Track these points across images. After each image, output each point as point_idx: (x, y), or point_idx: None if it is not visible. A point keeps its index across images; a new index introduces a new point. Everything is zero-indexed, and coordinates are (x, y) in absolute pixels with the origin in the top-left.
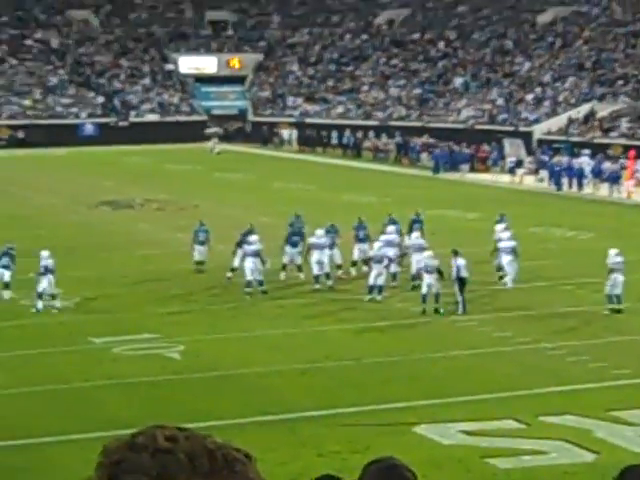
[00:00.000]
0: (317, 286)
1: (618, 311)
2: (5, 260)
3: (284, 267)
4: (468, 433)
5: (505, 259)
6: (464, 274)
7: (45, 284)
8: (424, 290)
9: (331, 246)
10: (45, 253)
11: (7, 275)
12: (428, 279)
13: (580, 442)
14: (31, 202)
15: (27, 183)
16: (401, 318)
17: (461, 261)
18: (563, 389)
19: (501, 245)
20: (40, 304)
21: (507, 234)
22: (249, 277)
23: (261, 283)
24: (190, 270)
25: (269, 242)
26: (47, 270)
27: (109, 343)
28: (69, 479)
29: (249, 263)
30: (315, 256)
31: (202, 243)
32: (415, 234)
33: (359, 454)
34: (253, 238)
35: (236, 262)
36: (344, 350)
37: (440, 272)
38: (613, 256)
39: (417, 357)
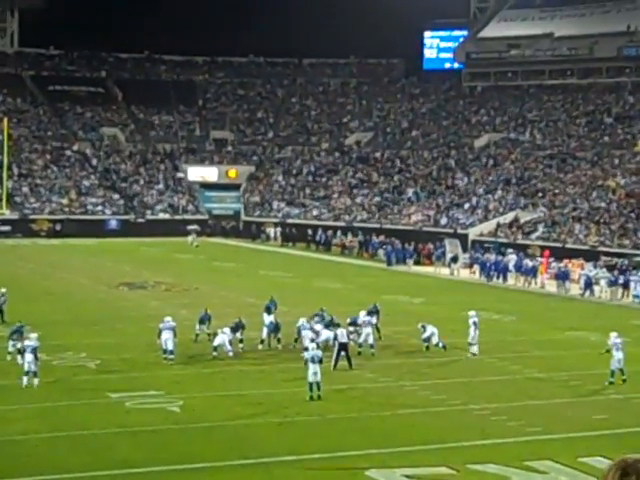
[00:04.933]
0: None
1: (624, 380)
2: (15, 336)
3: (262, 341)
4: (409, 477)
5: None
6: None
7: (30, 359)
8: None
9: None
10: (33, 335)
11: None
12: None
13: None
14: (63, 282)
15: (61, 266)
16: (357, 382)
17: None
18: (487, 442)
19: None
20: (25, 380)
21: (473, 312)
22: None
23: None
24: (190, 340)
25: (253, 318)
26: (32, 350)
27: (123, 398)
28: None
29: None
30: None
31: (203, 323)
32: (363, 313)
33: None
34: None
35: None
36: (312, 408)
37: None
38: (614, 338)
39: (370, 414)
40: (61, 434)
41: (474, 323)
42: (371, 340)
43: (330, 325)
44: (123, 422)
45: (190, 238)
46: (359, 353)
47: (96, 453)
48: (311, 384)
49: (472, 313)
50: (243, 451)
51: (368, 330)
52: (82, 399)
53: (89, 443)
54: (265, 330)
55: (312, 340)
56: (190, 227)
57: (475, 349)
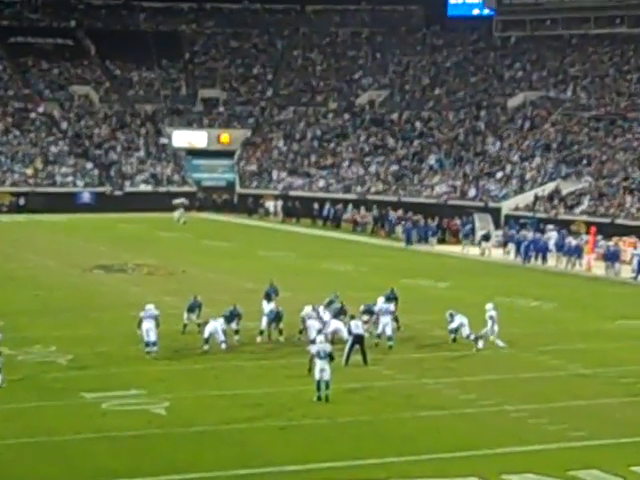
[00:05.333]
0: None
1: None
2: None
3: (261, 332)
4: None
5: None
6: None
7: None
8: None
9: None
10: None
11: None
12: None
13: None
14: (29, 264)
15: (26, 246)
16: (373, 380)
17: None
18: (524, 449)
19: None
20: None
21: (491, 305)
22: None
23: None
24: (178, 331)
25: (251, 306)
26: None
27: (99, 398)
28: None
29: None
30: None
31: (193, 312)
32: (382, 299)
33: None
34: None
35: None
36: (320, 409)
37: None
38: None
39: (387, 417)
40: (28, 440)
41: (491, 317)
42: (389, 331)
43: (339, 314)
44: (100, 426)
45: (176, 214)
46: (376, 345)
47: (69, 462)
48: (319, 382)
49: (489, 306)
50: (240, 460)
51: (386, 319)
52: (52, 400)
53: (60, 450)
54: (265, 319)
55: (319, 331)
56: (176, 201)
57: (481, 344)
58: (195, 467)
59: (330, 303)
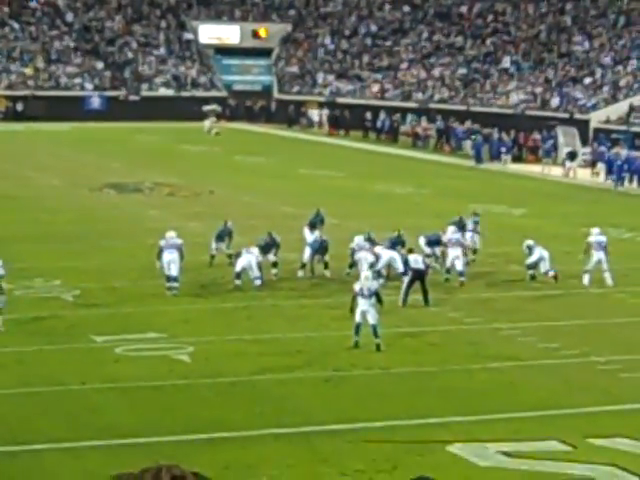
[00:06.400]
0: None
1: None
2: None
3: (303, 266)
4: (508, 454)
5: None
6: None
7: None
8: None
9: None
10: None
11: None
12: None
13: (632, 468)
14: (29, 182)
15: (25, 161)
16: (436, 324)
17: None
18: (614, 408)
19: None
20: None
21: (597, 230)
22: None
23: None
24: (204, 263)
25: (291, 234)
26: None
27: (111, 342)
28: None
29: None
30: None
31: (222, 240)
32: (452, 229)
33: (386, 474)
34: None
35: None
36: (372, 358)
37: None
38: None
39: (452, 368)
40: (27, 390)
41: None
42: (460, 265)
43: (396, 245)
44: (112, 375)
45: (207, 123)
46: (446, 280)
47: (74, 416)
48: (358, 325)
49: (595, 231)
50: (276, 417)
51: (457, 252)
52: (55, 343)
53: (65, 403)
54: (308, 251)
55: (371, 265)
56: (207, 107)
57: (587, 280)
58: (223, 425)
59: (394, 244)
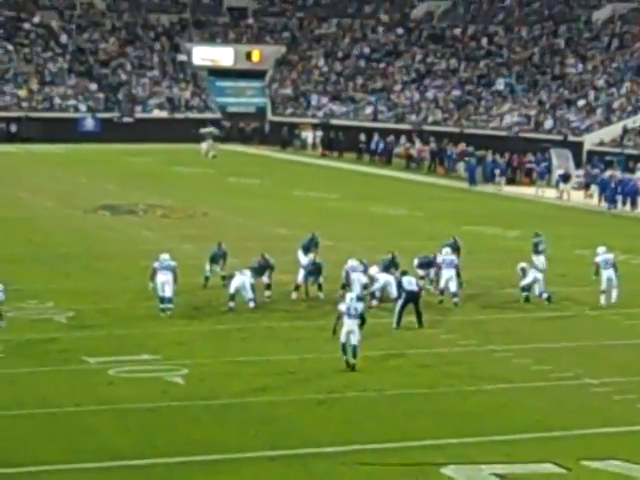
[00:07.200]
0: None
1: None
2: None
3: (297, 287)
4: (501, 477)
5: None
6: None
7: None
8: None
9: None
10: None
11: None
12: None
13: None
14: (22, 204)
15: (19, 183)
16: (430, 346)
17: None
18: (608, 431)
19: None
20: None
21: (603, 249)
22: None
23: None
24: (198, 285)
25: (285, 256)
26: None
27: (105, 364)
28: None
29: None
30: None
31: (216, 262)
32: (446, 250)
33: None
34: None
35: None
36: (366, 380)
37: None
38: None
39: (446, 390)
40: (20, 412)
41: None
42: (454, 287)
43: (389, 267)
44: (106, 397)
45: (205, 146)
46: (440, 302)
47: (68, 438)
48: (344, 345)
49: (601, 250)
50: (270, 439)
51: (451, 273)
52: (49, 365)
53: (59, 425)
54: (301, 273)
55: (365, 287)
56: (204, 130)
57: (604, 300)
58: (217, 447)
59: (387, 267)
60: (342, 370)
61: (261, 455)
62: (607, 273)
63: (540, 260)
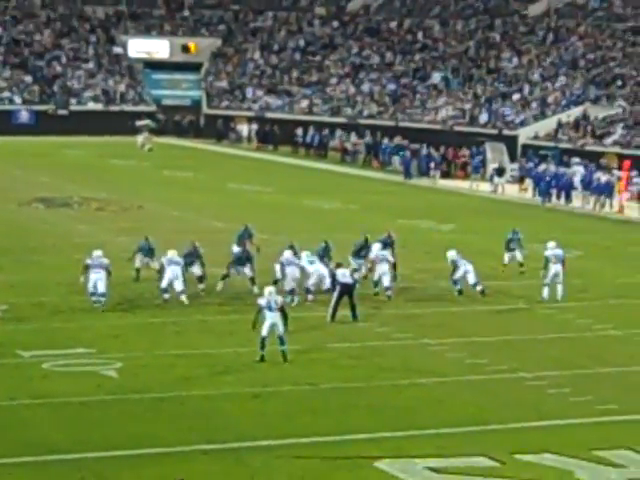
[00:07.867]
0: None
1: None
2: None
3: (224, 277)
4: (435, 470)
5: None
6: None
7: None
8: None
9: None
10: None
11: None
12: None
13: None
14: None
15: None
16: (364, 340)
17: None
18: (542, 424)
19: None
20: None
21: (553, 244)
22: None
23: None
24: (132, 278)
25: (221, 248)
26: None
27: (39, 357)
28: None
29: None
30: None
31: (146, 255)
32: (378, 245)
33: None
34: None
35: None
36: (301, 373)
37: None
38: None
39: (381, 384)
40: None
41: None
42: (387, 281)
43: (324, 256)
44: (39, 391)
45: (140, 138)
46: (375, 295)
47: (4, 432)
48: (264, 340)
49: (551, 245)
50: (205, 433)
51: (384, 268)
52: None
53: None
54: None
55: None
56: (140, 122)
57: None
58: (152, 441)
59: (322, 256)
60: (276, 364)
61: (196, 449)
62: (555, 268)
63: (508, 257)
